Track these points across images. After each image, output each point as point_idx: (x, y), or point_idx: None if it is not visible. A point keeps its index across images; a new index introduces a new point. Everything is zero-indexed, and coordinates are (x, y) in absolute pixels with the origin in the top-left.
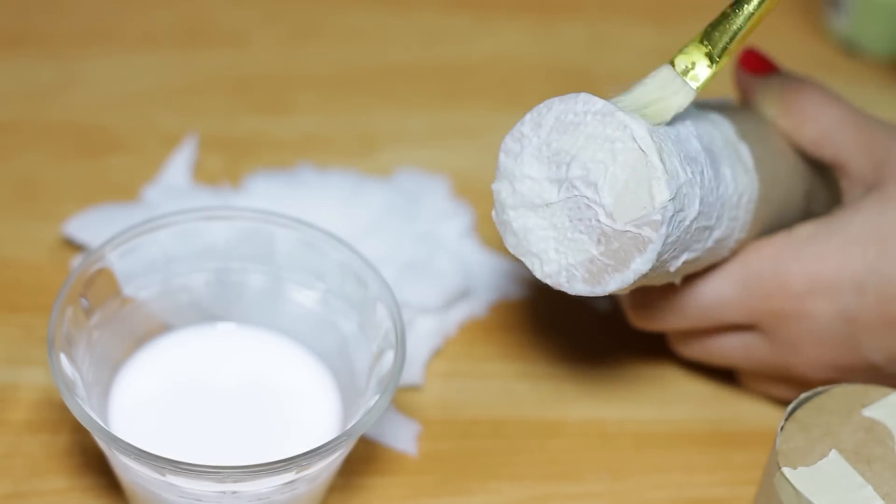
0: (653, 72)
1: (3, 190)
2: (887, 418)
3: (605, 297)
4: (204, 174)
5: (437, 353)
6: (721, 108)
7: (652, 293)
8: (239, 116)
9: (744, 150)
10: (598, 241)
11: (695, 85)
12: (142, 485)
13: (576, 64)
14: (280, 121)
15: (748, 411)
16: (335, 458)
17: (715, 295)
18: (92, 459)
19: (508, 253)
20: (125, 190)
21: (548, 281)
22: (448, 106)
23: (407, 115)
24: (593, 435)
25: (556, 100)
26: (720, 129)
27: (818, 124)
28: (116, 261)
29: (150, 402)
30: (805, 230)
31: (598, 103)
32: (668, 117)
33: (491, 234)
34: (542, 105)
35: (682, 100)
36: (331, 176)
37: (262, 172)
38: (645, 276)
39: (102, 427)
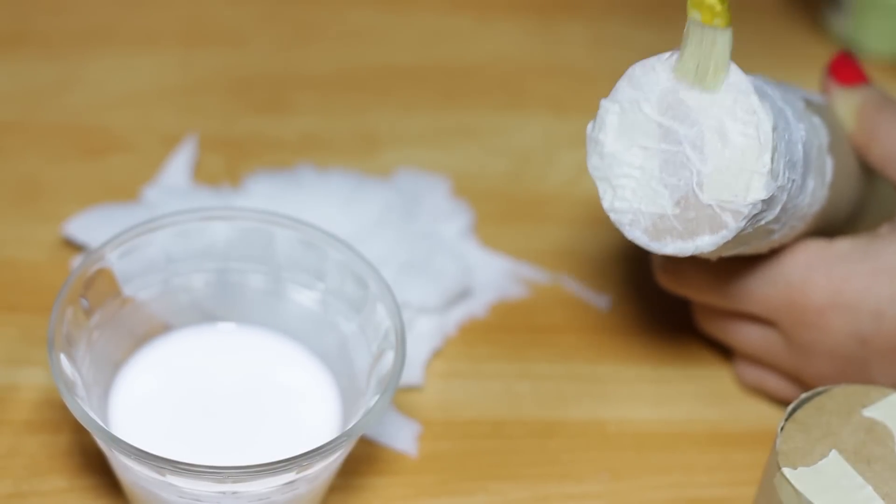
0: (685, 33)
1: (3, 190)
2: (887, 418)
3: (605, 296)
4: (204, 174)
5: (437, 353)
6: (820, 110)
7: (684, 261)
8: (239, 116)
9: (828, 165)
10: (678, 202)
11: (721, 23)
12: (142, 485)
13: (576, 64)
14: (280, 121)
15: (748, 411)
16: (335, 459)
17: (742, 284)
18: (92, 459)
19: (508, 253)
20: (125, 190)
21: (611, 215)
22: (448, 106)
23: (407, 115)
24: (593, 435)
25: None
26: (819, 138)
27: (885, 146)
28: (116, 261)
29: (150, 402)
30: (842, 246)
31: (739, 77)
32: (723, 70)
33: (491, 234)
34: None
35: (723, 46)
36: (331, 176)
37: (262, 172)
38: (706, 254)
39: (102, 427)
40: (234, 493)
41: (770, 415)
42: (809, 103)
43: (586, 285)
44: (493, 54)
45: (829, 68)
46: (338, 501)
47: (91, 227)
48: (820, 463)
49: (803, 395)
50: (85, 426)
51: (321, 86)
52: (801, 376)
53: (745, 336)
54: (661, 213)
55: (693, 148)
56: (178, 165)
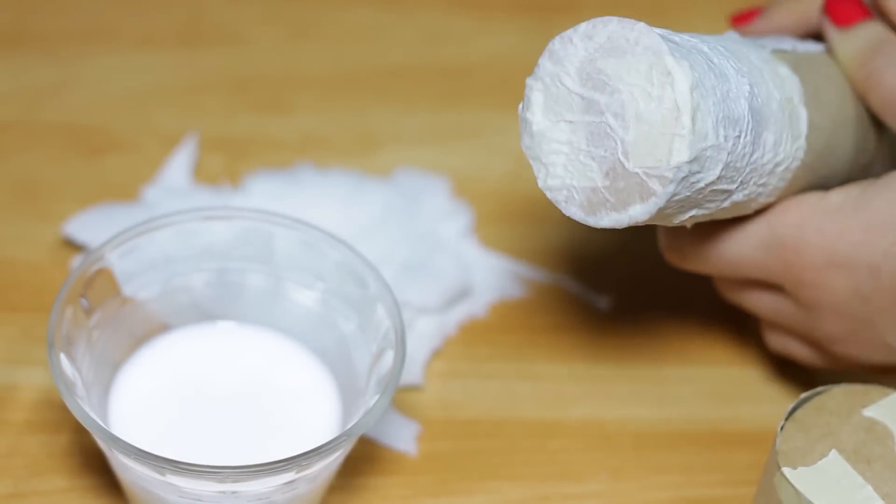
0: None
1: (3, 190)
2: (887, 418)
3: (605, 296)
4: (204, 174)
5: (437, 353)
6: (804, 60)
7: (684, 236)
8: (239, 116)
9: (802, 116)
10: (607, 174)
11: None
12: (142, 485)
13: None
14: (280, 121)
15: (748, 411)
16: (335, 458)
17: (739, 252)
18: (92, 459)
19: (508, 253)
20: (125, 190)
21: (547, 193)
22: (448, 106)
23: (407, 115)
24: (593, 435)
25: (615, 19)
26: (785, 90)
27: (882, 91)
28: (116, 261)
29: (150, 402)
30: (835, 199)
31: (652, 38)
32: None
33: (491, 234)
34: (599, 19)
35: None
36: (331, 176)
37: (262, 172)
38: (643, 222)
39: (102, 427)
40: (234, 492)
41: (770, 415)
42: (783, 53)
43: (586, 285)
44: (493, 54)
45: (825, 6)
46: (338, 501)
47: (91, 227)
48: (820, 463)
49: (803, 395)
50: (85, 426)
51: (321, 86)
52: (815, 337)
53: (759, 302)
54: (592, 186)
55: (615, 117)
56: (178, 165)
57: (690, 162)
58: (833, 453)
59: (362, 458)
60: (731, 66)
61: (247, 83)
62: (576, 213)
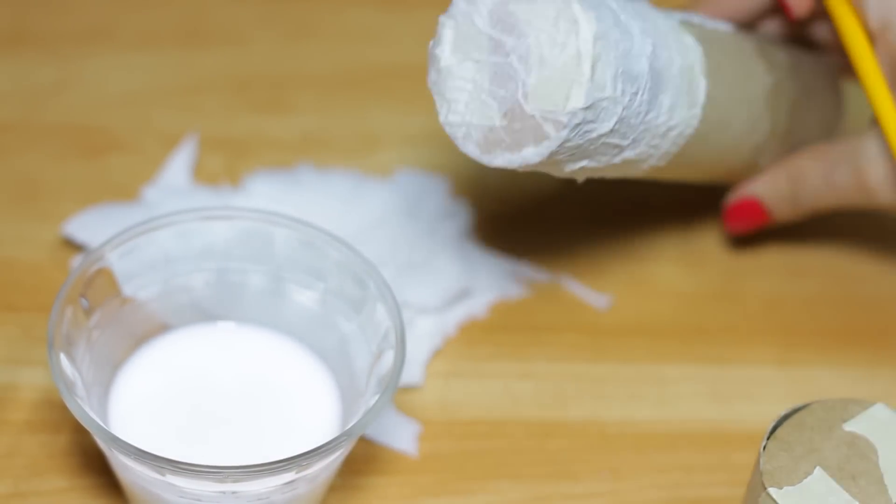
0: None
1: (3, 190)
2: (868, 432)
3: (605, 296)
4: (204, 174)
5: (437, 353)
6: (711, 35)
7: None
8: (239, 116)
9: (700, 86)
10: (505, 114)
11: None
12: (141, 485)
13: None
14: (280, 121)
15: (748, 411)
16: (335, 458)
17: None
18: (92, 459)
19: (508, 253)
20: (125, 190)
21: (446, 129)
22: None
23: (407, 115)
24: (593, 435)
25: None
26: (687, 58)
27: None
28: (116, 261)
29: (150, 402)
30: None
31: None
32: None
33: (491, 234)
34: None
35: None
36: (331, 176)
37: (262, 172)
38: (534, 166)
39: (102, 427)
40: (233, 492)
41: (770, 415)
42: (691, 25)
43: (586, 285)
44: None
45: None
46: (338, 501)
47: (91, 226)
48: (805, 481)
49: (783, 413)
50: (85, 426)
51: (321, 86)
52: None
53: None
54: (490, 125)
55: (519, 59)
56: (178, 165)
57: (585, 109)
58: (818, 471)
59: (362, 458)
60: (637, 25)
61: (247, 83)
62: (472, 150)
